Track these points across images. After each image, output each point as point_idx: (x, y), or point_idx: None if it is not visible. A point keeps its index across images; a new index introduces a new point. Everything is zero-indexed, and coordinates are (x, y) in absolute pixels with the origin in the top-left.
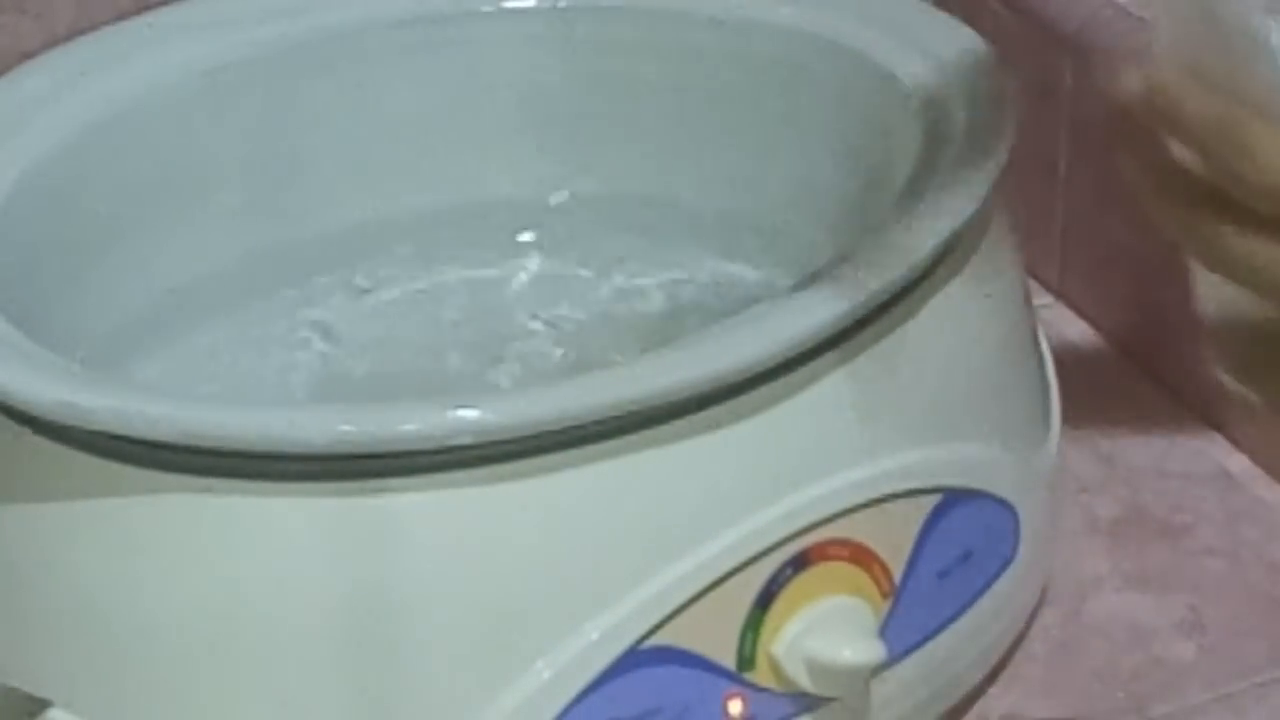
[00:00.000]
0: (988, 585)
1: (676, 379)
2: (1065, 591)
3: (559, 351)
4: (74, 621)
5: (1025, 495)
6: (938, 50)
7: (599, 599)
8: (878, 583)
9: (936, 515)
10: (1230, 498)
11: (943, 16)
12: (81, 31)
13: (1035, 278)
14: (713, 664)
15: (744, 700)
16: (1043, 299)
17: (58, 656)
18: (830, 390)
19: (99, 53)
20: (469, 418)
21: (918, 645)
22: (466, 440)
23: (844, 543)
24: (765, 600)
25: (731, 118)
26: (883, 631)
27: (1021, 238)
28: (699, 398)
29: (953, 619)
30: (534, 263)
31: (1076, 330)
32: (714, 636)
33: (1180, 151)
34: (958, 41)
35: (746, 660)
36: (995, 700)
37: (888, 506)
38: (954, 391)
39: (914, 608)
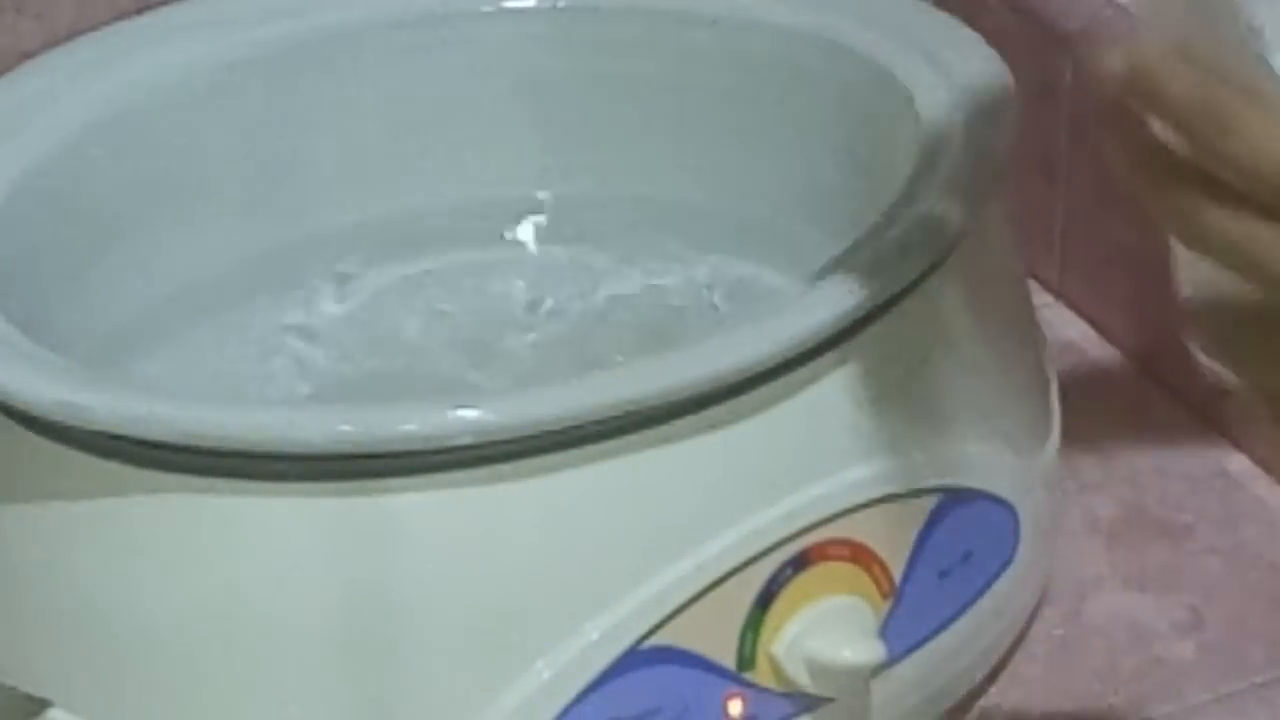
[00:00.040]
0: (988, 585)
1: (676, 379)
2: (1065, 591)
3: (558, 351)
4: (74, 621)
5: (1025, 495)
6: (938, 50)
7: (599, 599)
8: (878, 583)
9: (936, 515)
10: (1230, 498)
11: (943, 16)
12: (81, 31)
13: (1035, 278)
14: (713, 664)
15: (744, 700)
16: (1043, 299)
17: (58, 656)
18: (830, 390)
19: (99, 53)
20: (469, 418)
21: (918, 645)
22: (466, 440)
23: (844, 543)
24: (765, 600)
25: (731, 118)
26: (883, 631)
27: (1021, 238)
28: (699, 398)
29: (953, 619)
30: (534, 263)
31: (1076, 330)
32: (714, 636)
33: (1162, 130)
34: (958, 41)
35: (746, 660)
36: (995, 700)
37: (888, 506)
38: (954, 391)
39: (914, 608)
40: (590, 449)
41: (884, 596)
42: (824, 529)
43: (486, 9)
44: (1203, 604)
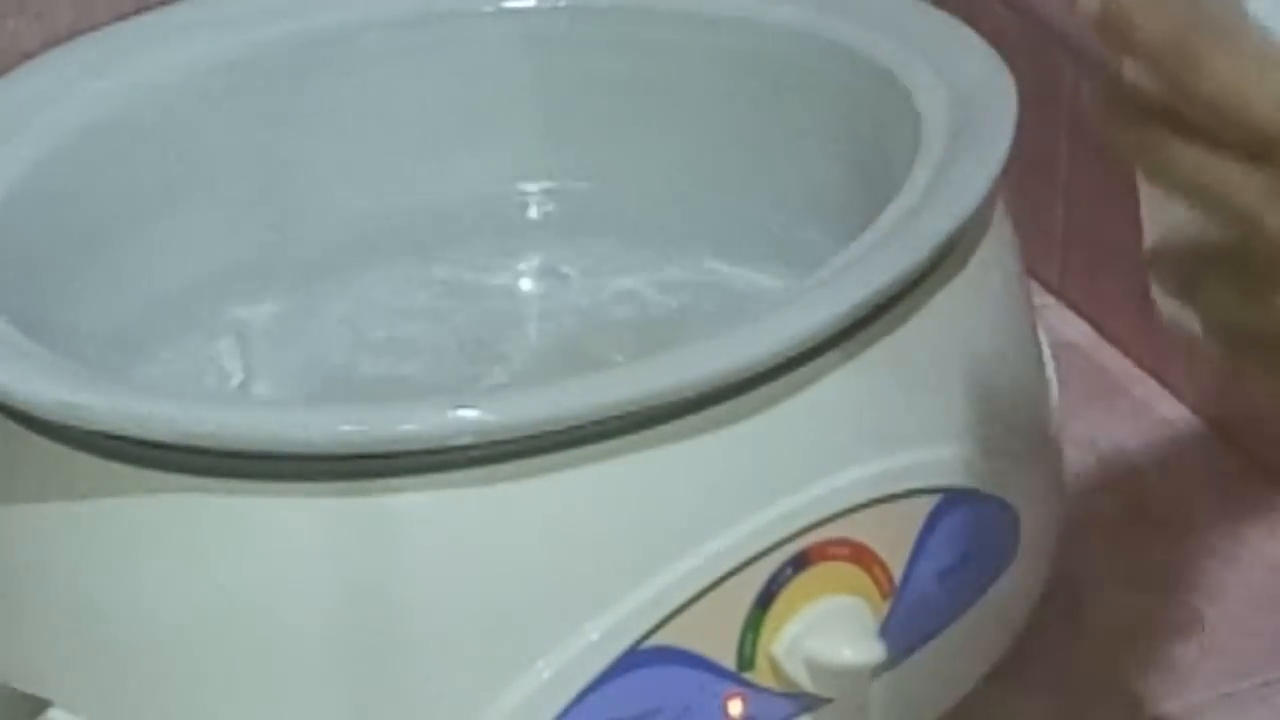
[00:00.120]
0: (988, 585)
1: (676, 379)
2: (1065, 591)
3: (558, 352)
4: (74, 621)
5: (1025, 495)
6: (937, 50)
7: (599, 599)
8: (878, 583)
9: (936, 515)
10: (1230, 498)
11: (943, 16)
12: (81, 31)
13: (1035, 278)
14: (713, 664)
15: (744, 700)
16: (1043, 299)
17: (58, 656)
18: (830, 390)
19: (99, 53)
20: (469, 418)
21: (918, 645)
22: (466, 440)
23: (844, 543)
24: (765, 600)
25: (731, 118)
26: (883, 631)
27: (1021, 238)
28: (699, 398)
29: (953, 619)
30: (534, 262)
31: (1076, 330)
32: (714, 636)
33: (1134, 71)
34: (958, 41)
35: (746, 660)
36: (995, 700)
37: (888, 506)
38: (954, 391)
39: (914, 608)
40: (590, 449)
41: (884, 596)
42: (824, 529)
43: (486, 9)
44: (1203, 604)
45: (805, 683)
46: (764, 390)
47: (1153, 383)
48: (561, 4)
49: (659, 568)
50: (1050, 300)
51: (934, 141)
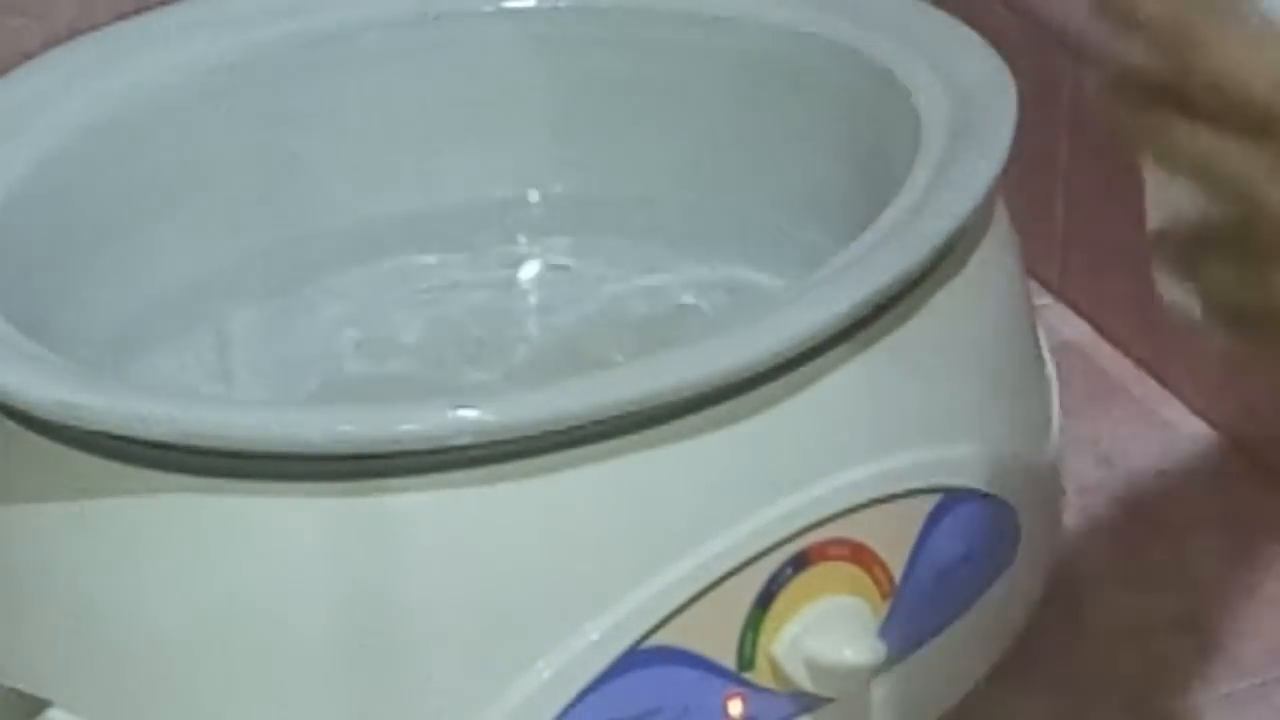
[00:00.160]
0: (988, 585)
1: (676, 379)
2: (1065, 591)
3: (558, 351)
4: (74, 621)
5: (1025, 495)
6: (938, 50)
7: (599, 599)
8: (878, 583)
9: (936, 515)
10: (1230, 497)
11: (942, 16)
12: (81, 31)
13: (1035, 278)
14: (713, 664)
15: (744, 700)
16: (1043, 299)
17: (58, 656)
18: (831, 390)
19: (99, 53)
20: (469, 418)
21: (918, 645)
22: (466, 440)
23: (844, 543)
24: (765, 600)
25: (731, 118)
26: (883, 631)
27: (1021, 238)
28: (699, 398)
29: (953, 619)
30: (534, 262)
31: (1076, 330)
32: (714, 636)
33: (1136, 52)
34: (958, 41)
35: (746, 660)
36: (995, 700)
37: (888, 506)
38: (954, 391)
39: (914, 608)
40: (590, 449)
41: (884, 596)
42: (824, 529)
43: (486, 9)
44: (1203, 604)
45: (805, 683)
46: (764, 390)
47: (1153, 383)
48: (561, 4)
49: (659, 568)
50: (1050, 300)
51: (934, 141)
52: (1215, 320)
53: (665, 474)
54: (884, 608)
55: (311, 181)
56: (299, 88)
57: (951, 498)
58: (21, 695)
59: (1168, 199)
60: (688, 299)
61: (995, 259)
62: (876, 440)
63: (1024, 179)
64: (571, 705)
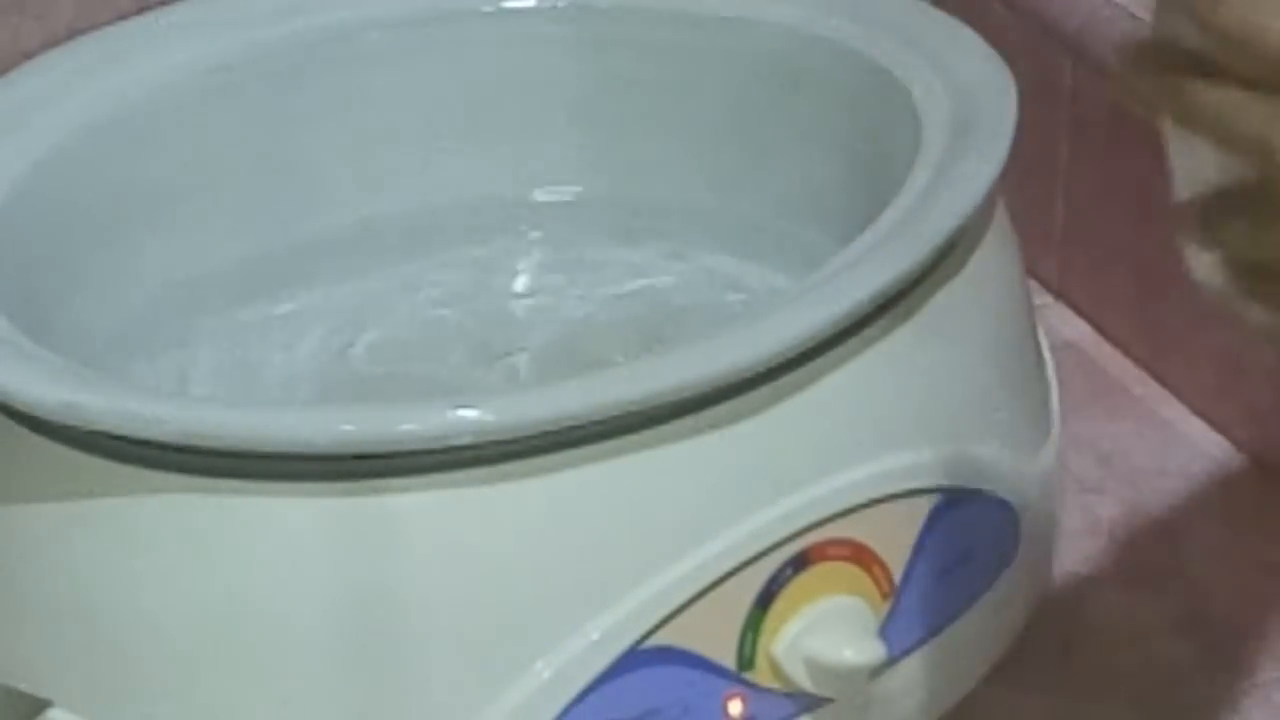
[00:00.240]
0: (988, 585)
1: (676, 379)
2: (1065, 591)
3: (559, 351)
4: (74, 621)
5: (1025, 495)
6: (937, 50)
7: (599, 599)
8: (878, 583)
9: (936, 515)
10: (1229, 497)
11: (943, 16)
12: (81, 31)
13: (1035, 278)
14: (713, 664)
15: (744, 700)
16: (1043, 299)
17: (58, 656)
18: (830, 390)
19: (99, 53)
20: (469, 418)
21: (918, 645)
22: (466, 440)
23: (844, 543)
24: (765, 600)
25: (731, 118)
26: (883, 631)
27: (1021, 238)
28: (699, 398)
29: (953, 619)
30: (534, 262)
31: (1076, 330)
32: (714, 636)
33: (1155, 16)
34: (958, 41)
35: (746, 660)
36: (995, 700)
37: (888, 506)
38: (954, 391)
39: (914, 608)
40: (590, 449)
41: (884, 596)
42: (824, 529)
43: (486, 9)
44: (1203, 604)
45: (805, 683)
46: (764, 390)
47: (1153, 383)
48: (561, 4)
49: (659, 568)
50: (1050, 300)
51: (934, 141)
52: (1240, 290)
53: (665, 474)
54: (884, 608)
55: (312, 181)
56: (299, 88)
57: (951, 498)
58: (21, 695)
59: (1191, 166)
60: (688, 299)
61: (995, 259)
62: (876, 440)
63: (1024, 179)
64: (571, 705)
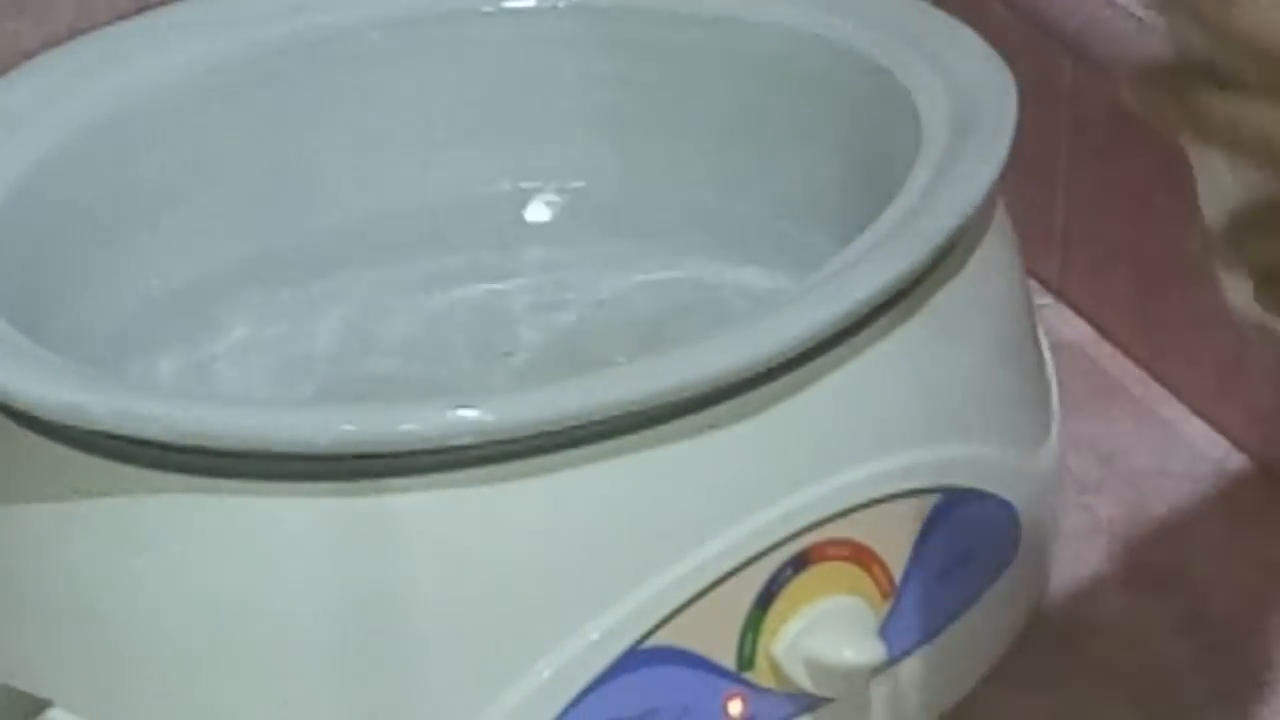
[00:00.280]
0: (988, 585)
1: (676, 379)
2: (1065, 591)
3: (559, 351)
4: (74, 621)
5: (1025, 495)
6: (937, 50)
7: (599, 599)
8: (878, 583)
9: (936, 515)
10: (1230, 498)
11: (943, 16)
12: (81, 31)
13: (1035, 278)
14: (713, 664)
15: (744, 700)
16: (1043, 299)
17: (58, 656)
18: (830, 390)
19: (99, 53)
20: (469, 418)
21: (918, 645)
22: (466, 440)
23: (844, 543)
24: (765, 600)
25: (732, 118)
26: (883, 631)
27: (1021, 238)
28: (699, 398)
29: (953, 619)
30: (534, 262)
31: (1076, 330)
32: (714, 636)
33: (1169, 30)
34: (958, 41)
35: (746, 660)
36: (995, 700)
37: (888, 506)
38: (954, 391)
39: (914, 608)
40: (590, 449)
41: (884, 596)
42: (824, 529)
43: (486, 9)
44: (1203, 604)
45: (805, 683)
46: (764, 390)
47: (1153, 383)
48: (561, 4)
49: (659, 568)
50: (1050, 300)
51: (934, 141)
52: (1272, 307)
53: (665, 474)
54: (884, 608)
55: (312, 181)
56: (299, 88)
57: (951, 498)
58: (21, 695)
59: (1215, 185)
60: (688, 299)
61: (995, 259)
62: (876, 440)
63: (1024, 179)
64: (571, 705)
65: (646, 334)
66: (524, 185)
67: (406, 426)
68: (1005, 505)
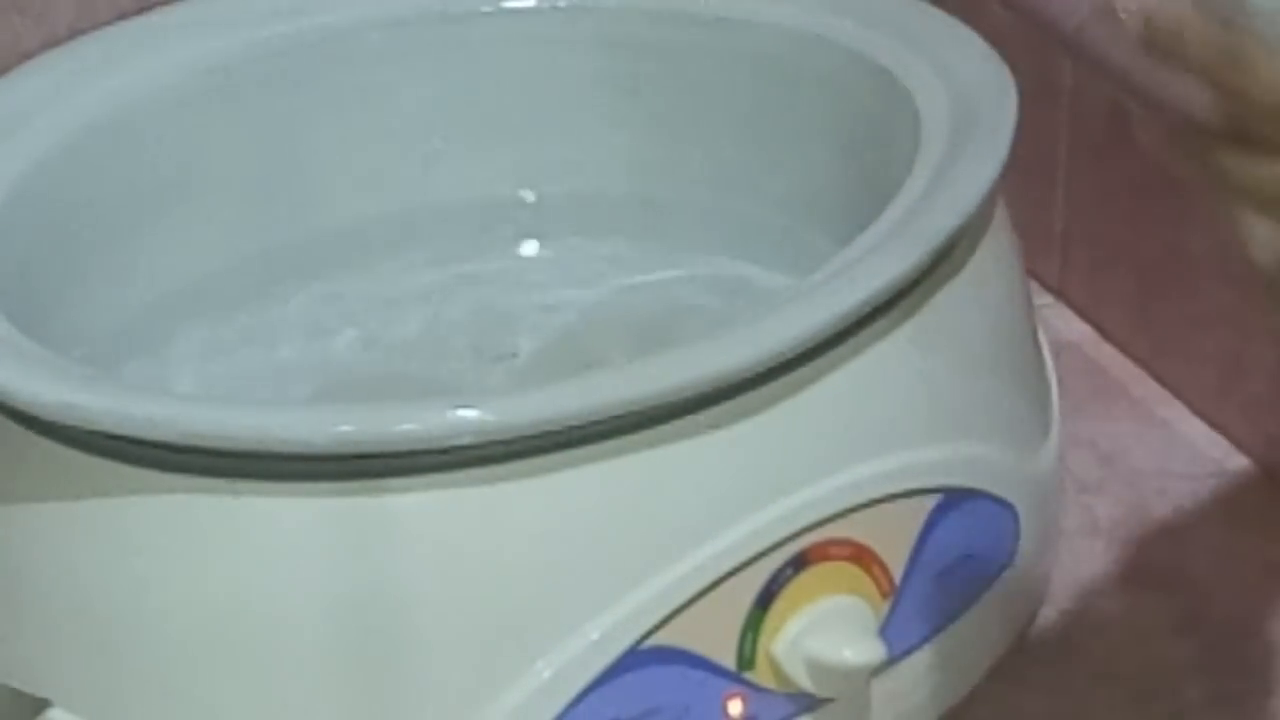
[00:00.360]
0: (988, 585)
1: (676, 379)
2: (1065, 591)
3: (558, 351)
4: (74, 621)
5: (1025, 495)
6: (937, 50)
7: (599, 599)
8: (878, 583)
9: (936, 515)
10: (1229, 497)
11: (942, 16)
12: (81, 31)
13: (1035, 278)
14: (713, 664)
15: (744, 700)
16: (1043, 299)
17: (58, 656)
18: (830, 390)
19: (99, 53)
20: (469, 418)
21: (918, 645)
22: (466, 440)
23: (844, 543)
24: (765, 600)
25: (732, 117)
26: (883, 631)
27: (1021, 238)
28: (699, 398)
29: (953, 619)
30: (534, 262)
31: (1076, 330)
32: (714, 636)
33: (1188, 95)
34: (958, 41)
35: (746, 660)
36: (995, 700)
37: (888, 506)
38: (954, 391)
39: (914, 608)
40: (590, 449)
41: (884, 596)
42: (824, 529)
43: (486, 9)
44: (1203, 604)
45: (805, 683)
46: (764, 390)
47: (1153, 383)
48: (561, 4)
49: (659, 568)
50: (1050, 300)
51: (934, 141)
52: None
53: (665, 474)
54: (884, 608)
55: (311, 181)
56: (299, 88)
57: (951, 498)
58: (21, 695)
59: (1263, 239)
60: (688, 299)
61: (995, 259)
62: (877, 440)
63: (1024, 179)
64: (571, 705)
65: (646, 334)
66: (524, 185)
67: (406, 426)
68: (1005, 505)
